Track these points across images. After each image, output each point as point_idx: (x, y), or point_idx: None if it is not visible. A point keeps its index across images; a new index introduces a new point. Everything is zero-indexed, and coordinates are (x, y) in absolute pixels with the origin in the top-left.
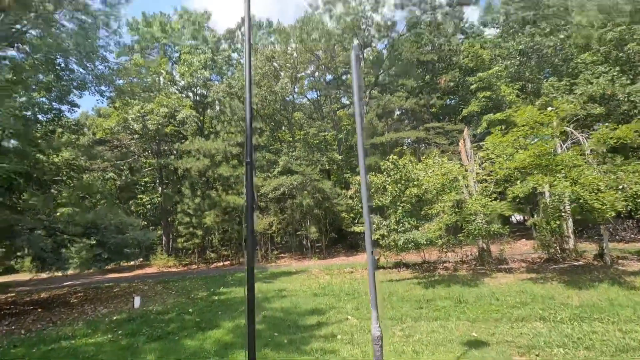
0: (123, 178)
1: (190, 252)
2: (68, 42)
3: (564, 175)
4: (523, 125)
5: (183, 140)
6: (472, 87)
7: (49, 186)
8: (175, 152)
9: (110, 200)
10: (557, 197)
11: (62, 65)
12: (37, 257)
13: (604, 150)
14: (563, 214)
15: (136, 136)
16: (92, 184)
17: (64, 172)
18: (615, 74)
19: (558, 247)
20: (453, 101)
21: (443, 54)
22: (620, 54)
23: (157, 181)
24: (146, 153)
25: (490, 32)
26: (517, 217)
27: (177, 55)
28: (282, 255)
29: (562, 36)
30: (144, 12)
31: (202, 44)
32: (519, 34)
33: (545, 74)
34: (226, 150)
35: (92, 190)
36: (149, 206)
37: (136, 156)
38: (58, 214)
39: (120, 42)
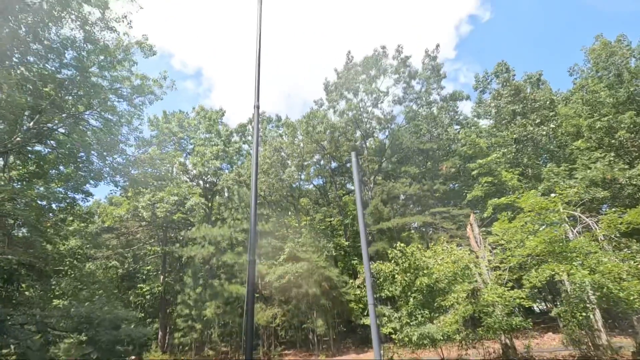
0: (126, 266)
1: (187, 348)
2: (92, 138)
3: (580, 262)
4: (529, 211)
5: (190, 228)
6: (474, 172)
7: (50, 276)
8: (181, 238)
9: (110, 290)
10: (577, 286)
11: (84, 157)
12: (21, 357)
13: (617, 235)
14: (588, 304)
15: (144, 223)
16: (93, 274)
17: (67, 262)
18: (611, 159)
19: (590, 343)
20: (456, 186)
21: (442, 142)
22: (613, 141)
23: (160, 269)
24: (152, 240)
25: (484, 122)
26: (539, 305)
27: (191, 147)
28: (286, 352)
29: (552, 126)
30: (164, 111)
31: (215, 137)
32: (512, 124)
33: (543, 160)
34: (232, 236)
35: (91, 280)
36: (148, 296)
37: (142, 244)
38: (53, 305)
39: (139, 137)
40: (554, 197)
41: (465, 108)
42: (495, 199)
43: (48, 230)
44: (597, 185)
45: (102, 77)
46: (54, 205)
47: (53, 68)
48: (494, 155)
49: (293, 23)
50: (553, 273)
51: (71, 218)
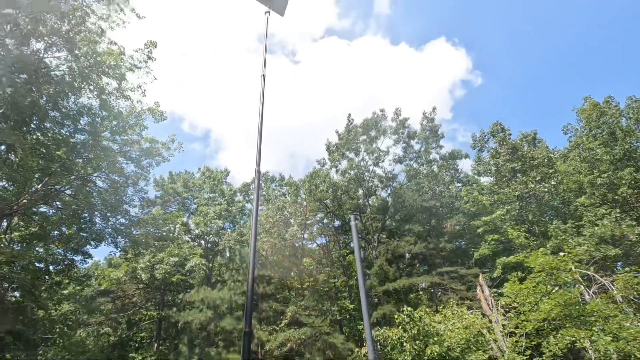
0: (119, 333)
1: None
2: (97, 199)
3: (601, 327)
4: (540, 271)
5: (189, 290)
6: (479, 230)
7: (38, 345)
8: (179, 302)
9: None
10: (602, 354)
11: (87, 218)
12: None
13: (636, 295)
14: None
15: (142, 286)
16: (83, 342)
17: (57, 329)
18: (618, 215)
19: None
20: (462, 244)
21: (444, 200)
22: (616, 197)
23: (155, 336)
24: (149, 304)
25: (485, 180)
26: None
27: (194, 207)
28: None
29: (553, 182)
30: (170, 172)
31: (219, 196)
32: (512, 181)
33: (549, 216)
34: (231, 299)
35: (81, 349)
36: None
37: (137, 308)
38: None
39: (144, 197)
40: (563, 256)
41: (465, 166)
42: (504, 258)
43: (42, 294)
44: (607, 243)
45: (113, 140)
46: (51, 267)
47: (67, 133)
48: (498, 212)
49: (297, 87)
50: (573, 339)
51: (67, 281)
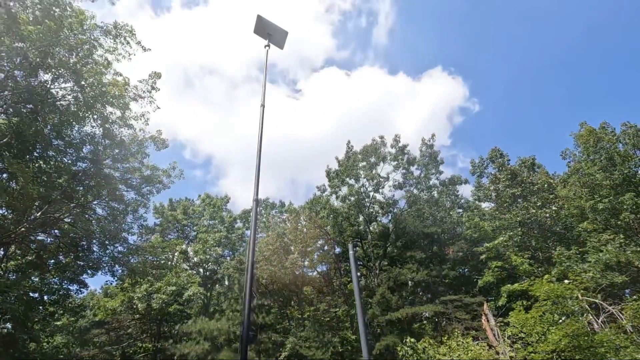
0: None
1: None
2: (96, 226)
3: (611, 359)
4: (545, 299)
5: (185, 321)
6: (482, 257)
7: None
8: (175, 333)
9: None
10: None
11: (85, 247)
12: None
13: None
14: None
15: (137, 316)
16: None
17: None
18: (622, 241)
19: None
20: (465, 271)
21: (445, 226)
22: (619, 222)
23: None
24: (144, 336)
25: (486, 205)
26: None
27: (194, 234)
28: None
29: (555, 208)
30: (170, 199)
31: (219, 223)
32: (513, 207)
33: (552, 242)
34: (229, 330)
35: None
36: None
37: (133, 340)
38: None
39: (143, 225)
40: (569, 283)
41: (465, 191)
42: (509, 285)
43: (34, 326)
44: (613, 269)
45: (114, 168)
46: (45, 298)
47: (69, 161)
48: (500, 238)
49: (297, 114)
50: None
51: (61, 311)
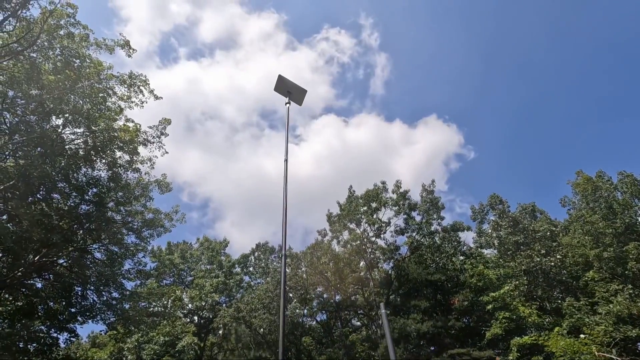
0: None
1: None
2: (92, 271)
3: None
4: (561, 356)
5: None
6: (488, 307)
7: None
8: None
9: None
10: None
11: (79, 292)
12: None
13: None
14: None
15: None
16: None
17: None
18: (630, 291)
19: None
20: (471, 322)
21: (449, 273)
22: (626, 272)
23: None
24: None
25: (488, 252)
26: None
27: (190, 279)
28: None
29: (559, 256)
30: (169, 242)
31: (216, 268)
32: (517, 254)
33: (559, 291)
34: None
35: None
36: None
37: None
38: None
39: (140, 270)
40: (584, 338)
41: (468, 237)
42: (518, 339)
43: None
44: (626, 322)
45: (117, 211)
46: (30, 347)
47: (73, 204)
48: (506, 287)
49: (297, 159)
50: None
51: None
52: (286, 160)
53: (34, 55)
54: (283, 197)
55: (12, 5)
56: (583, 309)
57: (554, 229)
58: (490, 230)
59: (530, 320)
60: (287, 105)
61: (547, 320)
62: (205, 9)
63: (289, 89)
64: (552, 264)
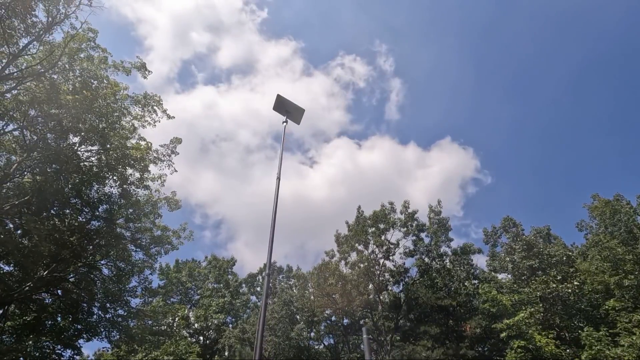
0: None
1: None
2: (100, 287)
3: None
4: None
5: None
6: (502, 335)
7: None
8: None
9: None
10: None
11: (85, 308)
12: None
13: None
14: None
15: None
16: None
17: None
18: None
19: None
20: (486, 350)
21: (461, 298)
22: None
23: None
24: None
25: (503, 276)
26: None
27: (197, 297)
28: None
29: (576, 283)
30: (177, 259)
31: (223, 287)
32: (532, 280)
33: (577, 320)
34: None
35: None
36: None
37: None
38: None
39: (147, 287)
40: None
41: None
42: None
43: None
44: None
45: (126, 228)
46: None
47: (84, 220)
48: (521, 314)
49: (308, 180)
50: None
51: None
52: (278, 178)
53: (55, 76)
54: (272, 213)
55: (37, 30)
56: (604, 340)
57: (570, 253)
58: (504, 255)
59: (547, 349)
60: (284, 124)
61: (565, 350)
62: (224, 37)
63: (287, 108)
64: (570, 290)
